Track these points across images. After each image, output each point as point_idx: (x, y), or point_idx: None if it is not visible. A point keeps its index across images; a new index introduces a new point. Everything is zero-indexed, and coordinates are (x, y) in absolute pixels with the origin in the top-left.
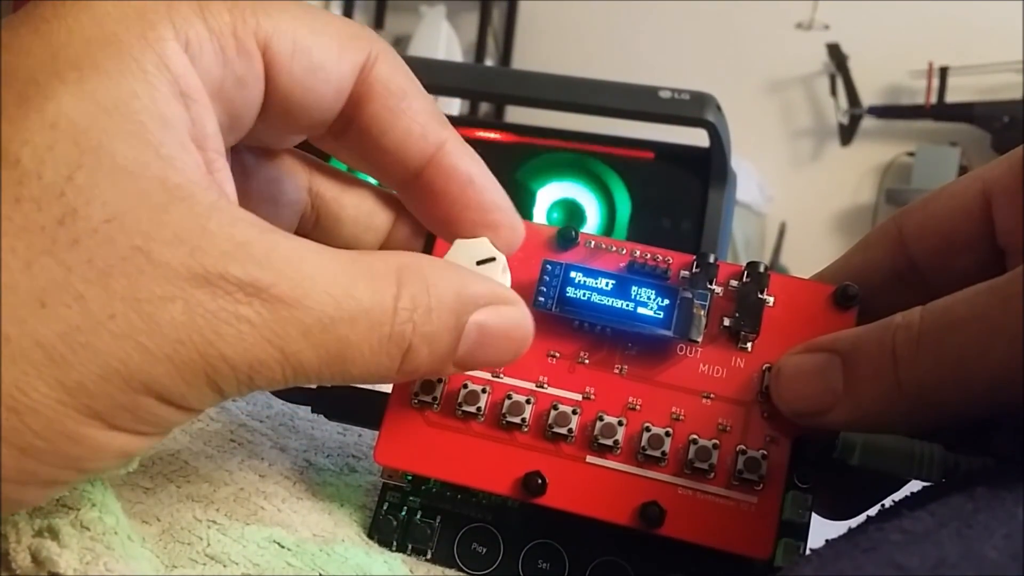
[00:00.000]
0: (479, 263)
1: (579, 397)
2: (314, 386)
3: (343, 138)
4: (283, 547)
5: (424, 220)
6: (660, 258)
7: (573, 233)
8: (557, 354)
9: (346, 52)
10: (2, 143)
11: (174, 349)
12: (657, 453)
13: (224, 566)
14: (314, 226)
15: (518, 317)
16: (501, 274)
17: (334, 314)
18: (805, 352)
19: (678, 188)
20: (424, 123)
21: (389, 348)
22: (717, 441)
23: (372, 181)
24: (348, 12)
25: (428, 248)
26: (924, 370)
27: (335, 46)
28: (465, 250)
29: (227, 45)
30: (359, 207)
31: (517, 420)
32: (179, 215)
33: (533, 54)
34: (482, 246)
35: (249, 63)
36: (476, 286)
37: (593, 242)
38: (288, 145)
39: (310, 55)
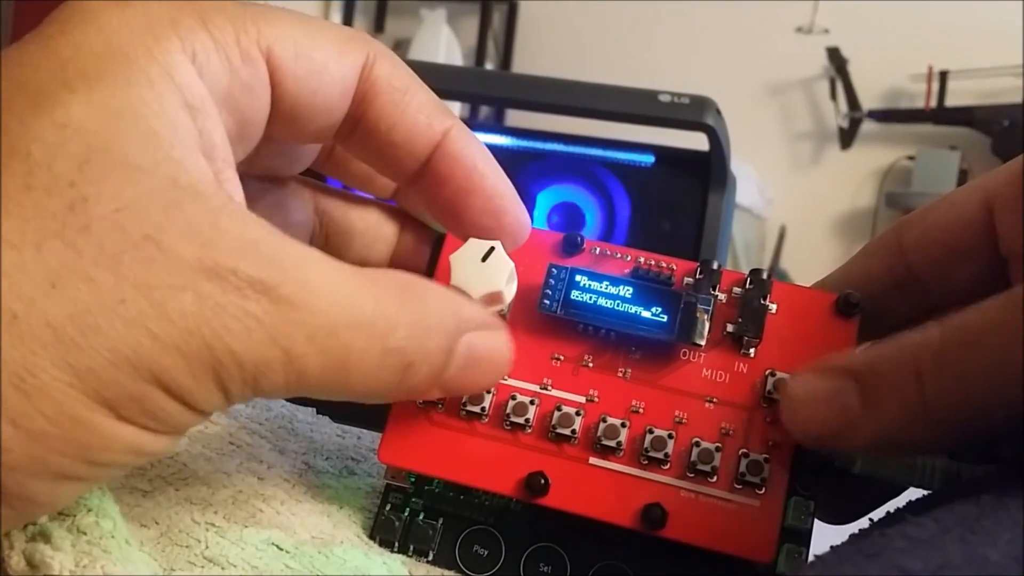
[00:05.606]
0: (484, 259)
1: (583, 399)
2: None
3: (350, 140)
4: (281, 549)
5: (433, 212)
6: (664, 265)
7: (579, 239)
8: (561, 356)
9: (346, 54)
10: (13, 139)
11: (183, 339)
12: (660, 455)
13: (222, 569)
14: (325, 244)
15: (501, 343)
16: (507, 282)
17: (338, 320)
18: (815, 374)
19: (678, 192)
20: (429, 113)
21: (391, 362)
22: (720, 444)
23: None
24: (349, 15)
25: (435, 253)
26: (950, 387)
27: (335, 48)
28: (475, 246)
29: (232, 54)
30: (366, 219)
31: (521, 421)
32: (190, 210)
33: (533, 57)
34: (492, 246)
35: (254, 69)
36: (468, 310)
37: (598, 248)
38: (295, 170)
39: (312, 58)
